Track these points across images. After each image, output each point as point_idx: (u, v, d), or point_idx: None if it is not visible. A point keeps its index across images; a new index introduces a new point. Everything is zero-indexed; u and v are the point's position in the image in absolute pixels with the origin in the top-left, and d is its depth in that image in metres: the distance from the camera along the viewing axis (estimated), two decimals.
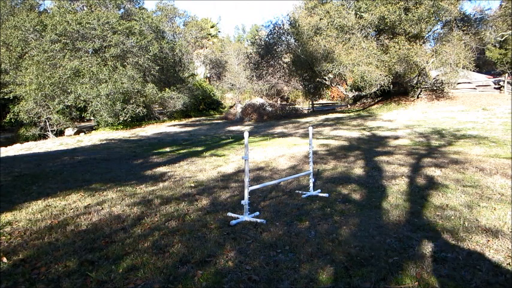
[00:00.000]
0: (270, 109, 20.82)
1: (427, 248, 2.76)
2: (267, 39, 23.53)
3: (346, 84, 24.10)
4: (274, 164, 6.59)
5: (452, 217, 3.38)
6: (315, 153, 7.51)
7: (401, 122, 13.64)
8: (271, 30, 23.20)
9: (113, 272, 2.53)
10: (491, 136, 8.82)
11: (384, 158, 6.59)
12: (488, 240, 2.84)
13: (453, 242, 2.83)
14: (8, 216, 3.93)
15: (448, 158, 6.40)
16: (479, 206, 3.69)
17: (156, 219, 3.66)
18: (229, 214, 3.69)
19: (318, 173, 5.61)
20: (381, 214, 3.58)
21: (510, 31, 19.89)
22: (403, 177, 5.08)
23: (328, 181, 5.05)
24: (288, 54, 22.77)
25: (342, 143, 8.92)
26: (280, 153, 7.79)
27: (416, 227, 3.19)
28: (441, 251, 2.68)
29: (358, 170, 5.68)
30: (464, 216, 3.40)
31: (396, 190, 4.40)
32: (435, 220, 3.31)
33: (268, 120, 19.44)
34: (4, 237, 3.29)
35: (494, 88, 24.24)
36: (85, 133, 20.49)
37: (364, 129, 12.39)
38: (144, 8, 26.24)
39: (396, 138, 9.60)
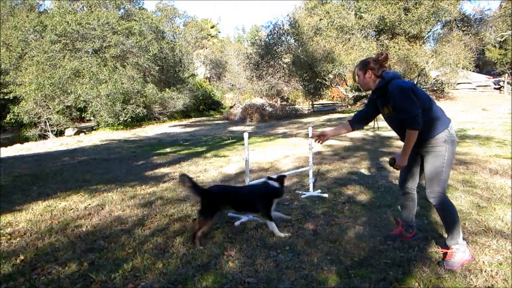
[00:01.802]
0: (270, 109, 20.80)
1: (428, 248, 2.76)
2: (267, 39, 23.53)
3: (346, 84, 24.09)
4: (278, 165, 6.57)
5: None
6: (319, 153, 7.50)
7: None
8: (271, 31, 23.21)
9: (113, 272, 2.54)
10: (491, 136, 8.81)
11: (388, 158, 6.57)
12: (488, 241, 2.84)
13: None
14: (8, 217, 3.93)
15: None
16: (479, 206, 3.69)
17: (157, 220, 3.66)
18: (230, 215, 3.69)
19: (322, 173, 5.60)
20: (382, 214, 3.59)
21: (510, 31, 19.90)
22: None
23: (332, 181, 5.05)
24: (288, 54, 22.76)
25: (346, 144, 8.89)
26: (284, 154, 7.75)
27: (417, 227, 3.18)
28: (442, 251, 2.67)
29: (362, 171, 5.67)
30: (464, 216, 3.39)
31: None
32: (436, 220, 3.31)
33: (269, 120, 19.41)
34: (4, 238, 3.30)
35: (494, 88, 24.26)
36: (85, 133, 20.49)
37: (367, 129, 12.35)
38: (144, 9, 26.26)
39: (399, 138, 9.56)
